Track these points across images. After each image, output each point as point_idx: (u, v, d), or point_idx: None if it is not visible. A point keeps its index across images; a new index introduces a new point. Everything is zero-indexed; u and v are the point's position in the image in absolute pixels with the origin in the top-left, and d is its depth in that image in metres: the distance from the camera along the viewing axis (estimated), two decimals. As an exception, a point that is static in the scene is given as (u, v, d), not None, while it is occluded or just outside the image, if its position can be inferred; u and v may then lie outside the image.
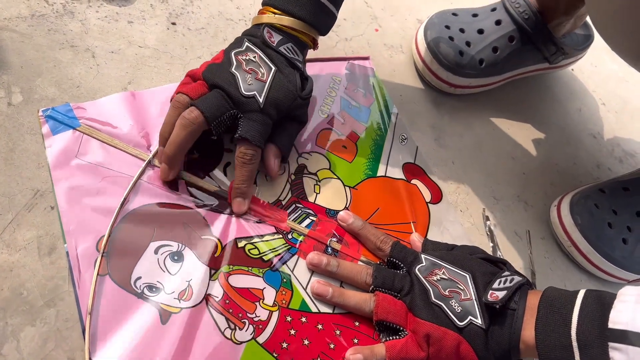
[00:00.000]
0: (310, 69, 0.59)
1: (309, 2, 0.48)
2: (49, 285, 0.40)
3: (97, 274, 0.40)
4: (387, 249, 0.48)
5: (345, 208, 0.51)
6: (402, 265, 0.46)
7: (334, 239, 0.49)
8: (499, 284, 0.43)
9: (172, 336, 0.40)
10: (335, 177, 0.53)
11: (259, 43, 0.48)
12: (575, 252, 0.55)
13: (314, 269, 0.46)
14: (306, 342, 0.43)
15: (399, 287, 0.45)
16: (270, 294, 0.44)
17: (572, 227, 0.55)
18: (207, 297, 0.42)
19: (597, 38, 0.59)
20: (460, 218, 0.56)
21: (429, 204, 0.55)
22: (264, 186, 0.49)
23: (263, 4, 0.50)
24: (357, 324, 0.45)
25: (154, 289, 0.41)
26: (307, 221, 0.49)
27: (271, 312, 0.43)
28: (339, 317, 0.45)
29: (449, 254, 0.47)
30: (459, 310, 0.42)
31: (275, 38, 0.48)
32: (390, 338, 0.43)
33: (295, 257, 0.47)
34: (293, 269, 0.46)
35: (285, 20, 0.48)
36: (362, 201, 0.52)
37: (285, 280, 0.45)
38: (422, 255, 0.46)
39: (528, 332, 0.40)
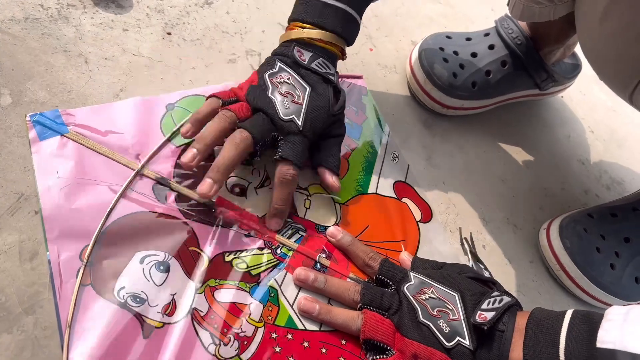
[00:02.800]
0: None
1: (335, 13, 0.49)
2: (28, 291, 0.39)
3: (80, 284, 0.39)
4: (376, 266, 0.47)
5: (335, 224, 0.51)
6: (390, 283, 0.46)
7: (323, 255, 0.48)
8: (487, 305, 0.42)
9: (154, 351, 0.39)
10: (326, 193, 0.52)
11: (291, 63, 0.49)
12: (563, 275, 0.55)
13: (301, 285, 0.46)
14: (291, 359, 0.42)
15: (387, 305, 0.44)
16: (257, 309, 0.43)
17: (561, 251, 0.55)
18: (191, 312, 0.41)
19: (586, 68, 0.60)
20: (450, 238, 0.56)
21: (419, 223, 0.55)
22: (253, 200, 0.49)
23: (290, 21, 0.52)
24: (343, 342, 0.44)
25: (138, 299, 0.40)
26: (297, 236, 0.48)
27: (257, 328, 0.42)
28: (325, 335, 0.44)
29: (438, 272, 0.46)
30: (447, 331, 0.42)
31: (306, 55, 0.50)
32: (378, 357, 0.42)
33: (284, 272, 0.46)
34: (281, 285, 0.45)
35: (314, 34, 0.49)
36: (352, 218, 0.52)
37: (272, 295, 0.44)
38: (411, 274, 0.46)
39: (516, 353, 0.40)
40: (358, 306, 0.44)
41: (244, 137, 0.45)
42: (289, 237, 0.48)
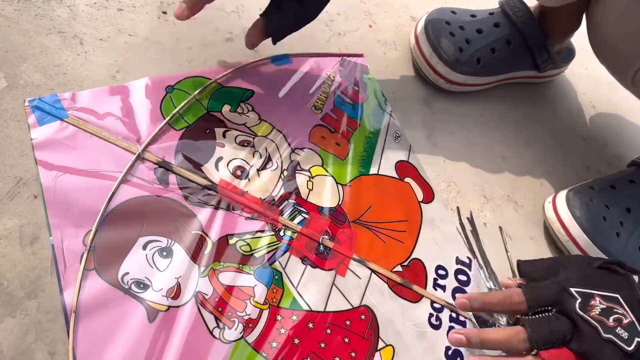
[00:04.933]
0: (304, 65, 0.58)
1: None
2: (30, 276, 0.39)
3: (83, 269, 0.39)
4: (522, 300, 0.42)
5: (338, 205, 0.51)
6: (550, 308, 0.42)
7: (326, 237, 0.48)
8: None
9: (159, 335, 0.39)
10: (328, 174, 0.52)
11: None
12: (572, 246, 0.56)
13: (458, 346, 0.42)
14: (296, 341, 0.42)
15: (560, 334, 0.40)
16: (261, 292, 0.43)
17: (571, 221, 0.55)
18: (196, 295, 0.41)
19: (586, 43, 0.60)
20: (451, 217, 0.56)
21: (421, 204, 0.54)
22: (256, 182, 0.49)
23: None
24: (348, 322, 0.45)
25: (141, 285, 0.40)
26: (299, 218, 0.48)
27: (261, 311, 0.43)
28: (330, 316, 0.44)
29: (582, 275, 0.43)
30: (626, 337, 0.40)
31: None
32: None
33: (287, 254, 0.46)
34: (285, 267, 0.45)
35: None
36: (355, 199, 0.52)
37: (276, 277, 0.45)
38: (572, 290, 0.42)
39: None
40: (532, 353, 0.40)
41: None
42: (292, 219, 0.48)
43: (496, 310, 0.45)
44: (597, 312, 0.40)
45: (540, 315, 0.42)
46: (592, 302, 0.41)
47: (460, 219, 0.56)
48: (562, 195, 0.58)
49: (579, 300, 0.41)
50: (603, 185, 0.58)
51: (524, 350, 0.40)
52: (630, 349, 0.39)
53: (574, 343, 0.40)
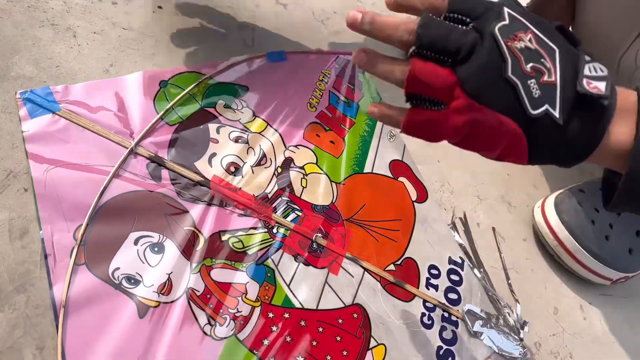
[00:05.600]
0: (300, 62, 0.58)
1: None
2: (19, 270, 0.38)
3: (74, 264, 0.39)
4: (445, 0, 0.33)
5: (332, 203, 0.50)
6: (467, 20, 0.32)
7: (320, 235, 0.48)
8: (590, 71, 0.32)
9: (150, 330, 0.39)
10: (322, 172, 0.52)
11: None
12: (561, 250, 0.56)
13: (351, 28, 0.34)
14: (288, 338, 0.42)
15: (455, 46, 0.31)
16: (253, 289, 0.43)
17: (559, 226, 0.56)
18: (187, 291, 0.41)
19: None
20: (445, 217, 0.55)
21: (414, 203, 0.54)
22: (249, 179, 0.48)
23: None
24: (340, 321, 0.44)
25: (132, 281, 0.40)
26: (293, 215, 0.48)
27: (253, 308, 0.42)
28: (322, 314, 0.44)
29: (532, 14, 0.33)
30: (537, 95, 0.31)
31: None
32: (419, 104, 0.33)
33: (280, 251, 0.46)
34: (277, 264, 0.45)
35: None
36: (349, 197, 0.51)
37: (269, 275, 0.44)
38: (506, 9, 0.32)
39: (622, 129, 0.32)
40: (410, 51, 0.32)
41: None
42: (285, 217, 0.48)
43: (412, 5, 0.34)
44: (518, 47, 0.31)
45: (448, 20, 0.33)
46: (520, 34, 0.31)
47: (452, 219, 0.56)
48: (550, 199, 0.58)
49: (506, 22, 0.31)
50: (593, 188, 0.58)
51: (406, 42, 0.33)
52: (533, 112, 0.31)
53: (464, 67, 0.31)
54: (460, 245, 0.54)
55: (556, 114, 0.31)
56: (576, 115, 0.32)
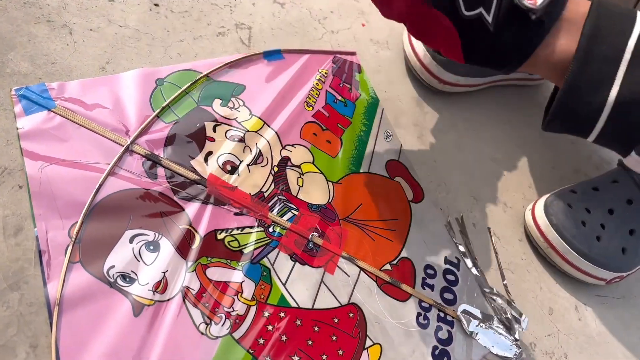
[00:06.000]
0: (296, 61, 0.57)
1: None
2: (13, 267, 0.38)
3: (68, 262, 0.38)
4: None
5: (328, 202, 0.50)
6: None
7: (316, 234, 0.48)
8: None
9: (145, 329, 0.38)
10: (318, 171, 0.52)
11: None
12: (552, 253, 0.56)
13: None
14: (284, 338, 0.42)
15: None
16: (249, 288, 0.43)
17: (548, 228, 0.56)
18: (183, 290, 0.41)
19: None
20: (441, 217, 0.55)
21: (411, 203, 0.54)
22: (246, 178, 0.48)
23: None
24: (336, 320, 0.44)
25: (127, 279, 0.40)
26: (289, 215, 0.48)
27: (249, 307, 0.42)
28: (318, 313, 0.44)
29: None
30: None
31: None
32: None
33: (276, 250, 0.46)
34: (273, 263, 0.45)
35: None
36: (345, 196, 0.51)
37: (265, 274, 0.44)
38: None
39: (562, 40, 0.33)
40: None
41: None
42: (281, 216, 0.48)
43: None
44: None
45: None
46: None
47: (448, 219, 0.56)
48: (541, 202, 0.58)
49: None
50: (585, 188, 0.58)
51: None
52: (466, 13, 0.33)
53: None
54: (457, 244, 0.54)
55: (489, 19, 0.32)
56: (509, 24, 0.33)
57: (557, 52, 0.34)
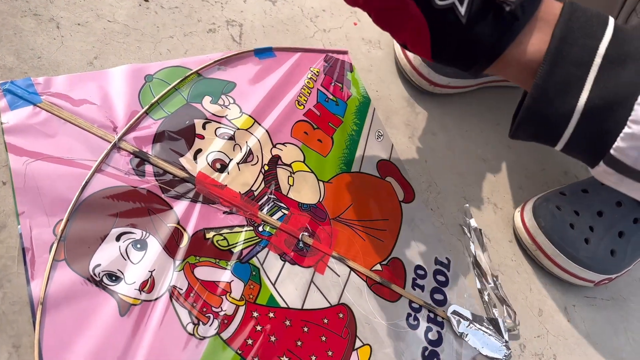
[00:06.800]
0: (288, 59, 0.57)
1: None
2: (-4, 266, 0.37)
3: (53, 259, 0.37)
4: None
5: (319, 202, 0.50)
6: None
7: (306, 234, 0.47)
8: None
9: (131, 329, 0.38)
10: (309, 170, 0.51)
11: None
12: (541, 255, 0.56)
13: None
14: (272, 338, 0.41)
15: None
16: (237, 287, 0.42)
17: (536, 230, 0.56)
18: (170, 289, 0.40)
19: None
20: (431, 217, 0.55)
21: (402, 203, 0.54)
22: (235, 176, 0.47)
23: None
24: (325, 321, 0.44)
25: (113, 278, 0.39)
26: (279, 214, 0.47)
27: (238, 307, 0.42)
28: (307, 314, 0.44)
29: None
30: None
31: None
32: None
33: (266, 250, 0.45)
34: (263, 263, 0.44)
35: None
36: (336, 196, 0.51)
37: (254, 273, 0.44)
38: None
39: (533, 39, 0.33)
40: None
41: None
42: (271, 215, 0.47)
43: None
44: None
45: None
46: None
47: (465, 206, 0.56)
48: (529, 204, 0.58)
49: None
50: (574, 190, 0.58)
51: None
52: (439, 3, 0.31)
53: None
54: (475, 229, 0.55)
55: (462, 10, 0.31)
56: (482, 17, 0.32)
57: (529, 52, 0.33)
